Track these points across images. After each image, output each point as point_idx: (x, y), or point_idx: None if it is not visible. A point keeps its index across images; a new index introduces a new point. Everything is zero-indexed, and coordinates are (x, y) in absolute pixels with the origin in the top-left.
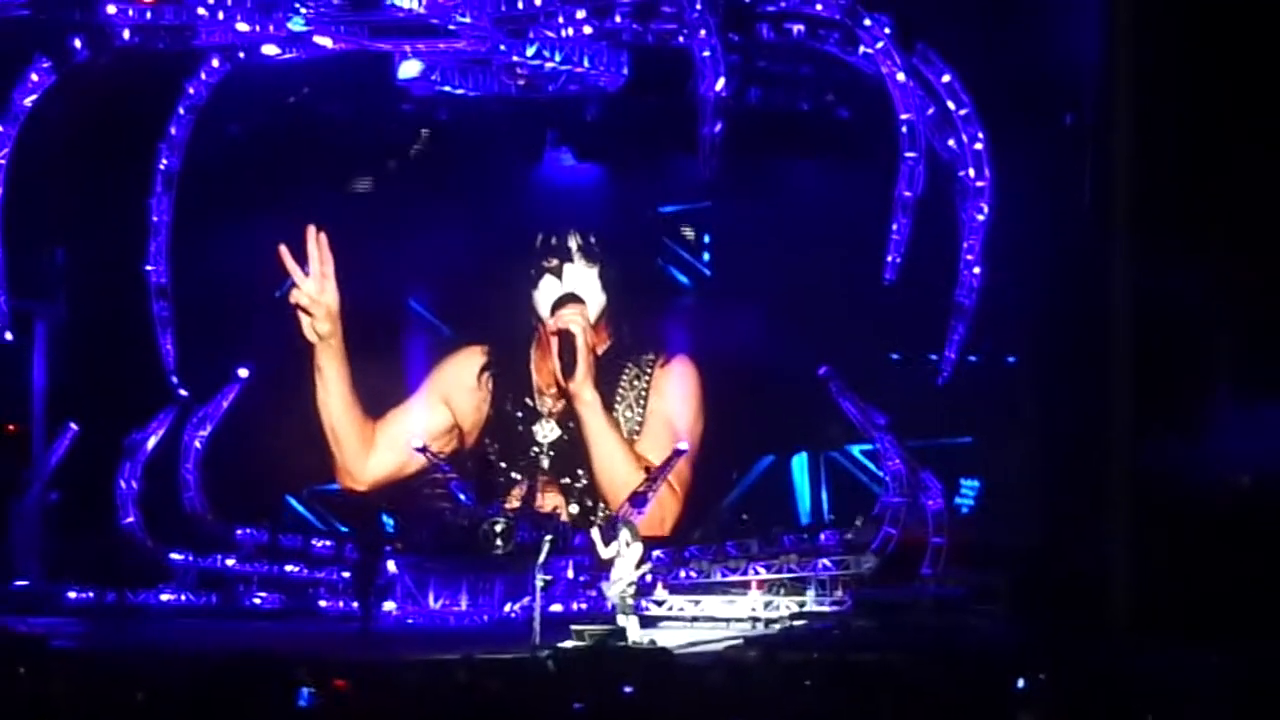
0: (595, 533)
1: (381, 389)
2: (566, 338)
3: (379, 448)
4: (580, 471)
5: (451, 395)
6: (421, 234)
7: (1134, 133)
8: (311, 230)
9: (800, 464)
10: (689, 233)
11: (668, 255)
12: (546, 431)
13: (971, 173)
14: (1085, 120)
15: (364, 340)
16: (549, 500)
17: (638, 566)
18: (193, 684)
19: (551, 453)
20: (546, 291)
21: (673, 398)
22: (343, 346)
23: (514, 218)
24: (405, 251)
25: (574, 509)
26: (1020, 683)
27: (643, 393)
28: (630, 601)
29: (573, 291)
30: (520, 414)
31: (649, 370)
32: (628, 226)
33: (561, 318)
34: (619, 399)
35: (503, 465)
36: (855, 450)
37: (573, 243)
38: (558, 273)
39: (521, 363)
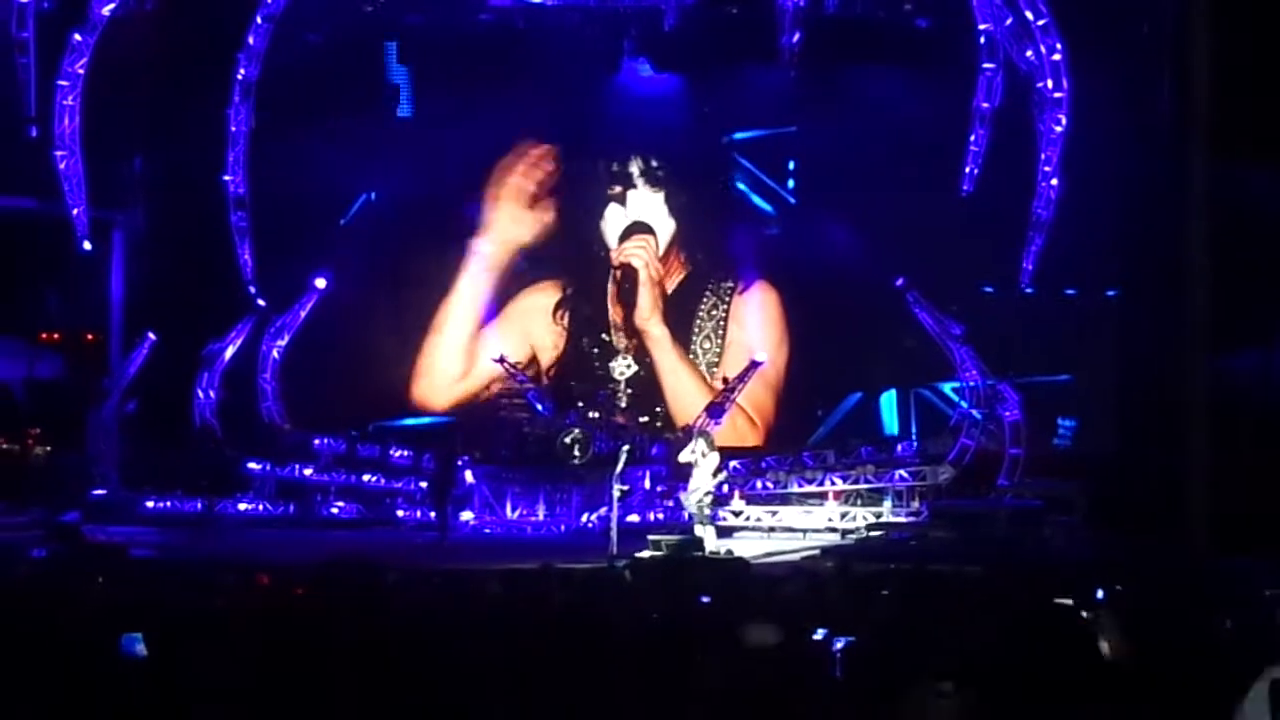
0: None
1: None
2: (628, 272)
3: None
4: (659, 409)
5: (530, 330)
6: (496, 154)
7: (1212, 43)
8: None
9: (889, 400)
10: (768, 157)
11: (747, 180)
12: (623, 368)
13: (1050, 84)
14: (1163, 30)
15: (435, 270)
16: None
17: (714, 476)
18: (270, 592)
19: (629, 389)
20: (613, 221)
21: (753, 325)
22: (498, 271)
23: (584, 141)
24: (479, 171)
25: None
26: (1098, 593)
27: (721, 321)
28: (707, 512)
29: (639, 220)
30: (596, 350)
31: (727, 298)
32: (698, 147)
33: (624, 250)
34: (697, 329)
35: (580, 404)
36: (946, 388)
37: (634, 168)
38: (622, 200)
39: (596, 297)
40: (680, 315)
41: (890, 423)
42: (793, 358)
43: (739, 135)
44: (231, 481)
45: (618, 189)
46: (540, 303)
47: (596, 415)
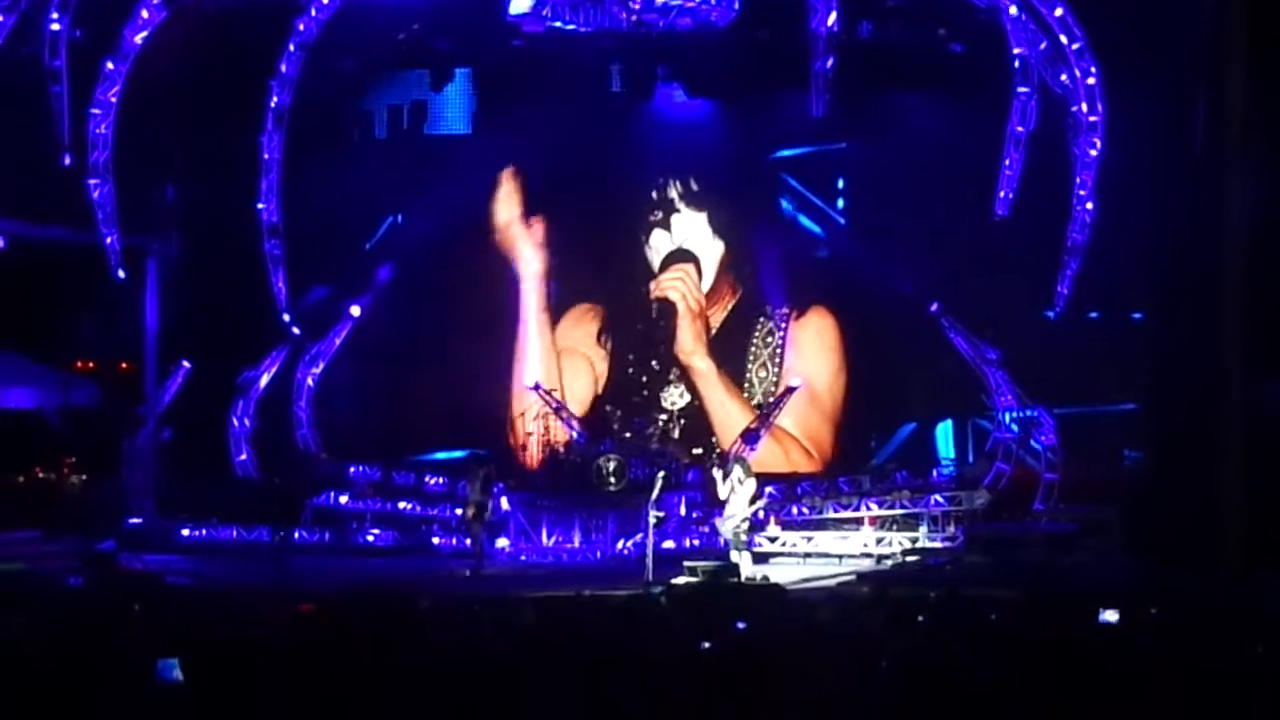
0: (717, 473)
1: (488, 346)
2: (666, 306)
3: None
4: (714, 439)
5: (574, 357)
6: (533, 181)
7: (1248, 66)
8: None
9: (945, 431)
10: (815, 175)
11: (794, 200)
12: (675, 398)
13: (1084, 108)
14: (1199, 53)
15: (472, 294)
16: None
17: (751, 503)
18: (304, 621)
19: (682, 420)
20: (658, 246)
21: (809, 352)
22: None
23: (623, 165)
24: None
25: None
26: (1131, 616)
27: (777, 349)
28: (743, 538)
29: (682, 247)
30: (645, 379)
31: (783, 325)
32: (740, 168)
33: (661, 283)
34: (751, 357)
35: (627, 435)
36: (1007, 417)
37: (674, 191)
38: (665, 225)
39: (642, 326)
40: (732, 344)
41: (946, 453)
42: (850, 385)
43: (786, 152)
44: (269, 509)
45: (659, 214)
46: (584, 329)
47: (632, 441)
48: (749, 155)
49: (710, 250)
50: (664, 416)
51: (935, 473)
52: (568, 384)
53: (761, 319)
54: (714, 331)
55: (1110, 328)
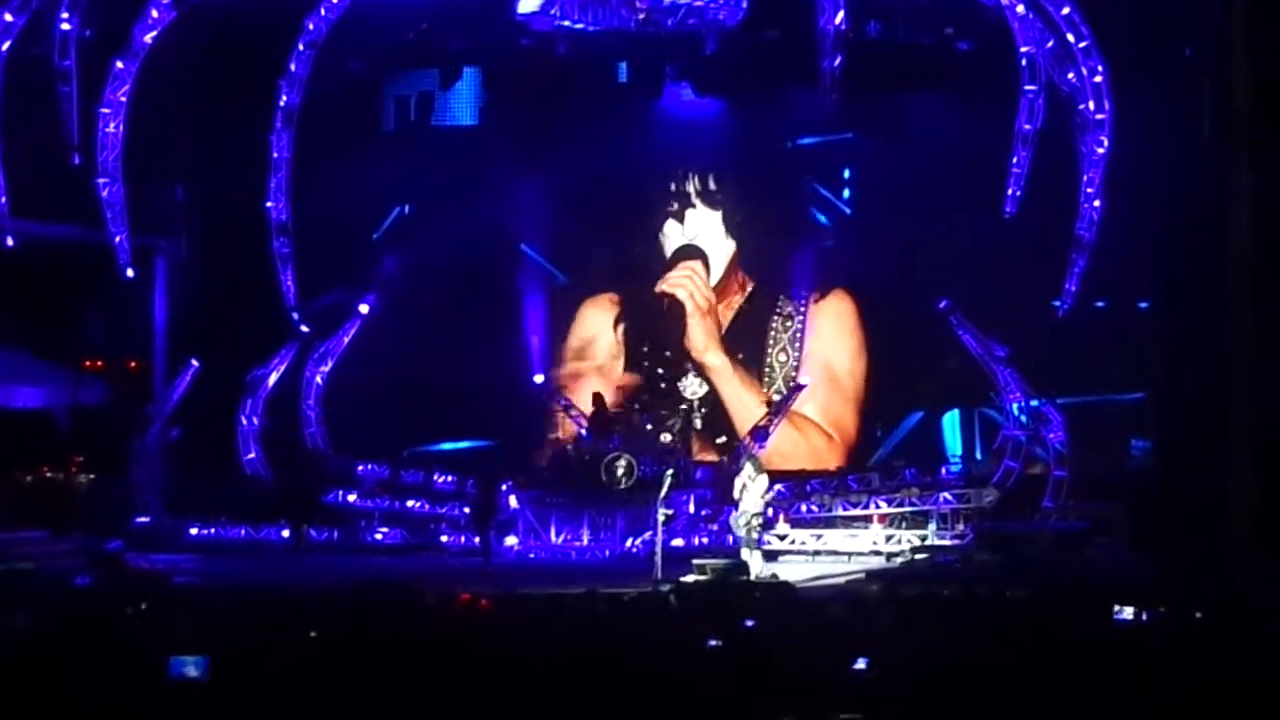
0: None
1: (496, 337)
2: (674, 304)
3: None
4: (735, 431)
5: (588, 348)
6: (541, 174)
7: (1253, 65)
8: None
9: (952, 420)
10: (821, 167)
11: (805, 193)
12: (695, 387)
13: (1091, 105)
14: (1205, 50)
15: (479, 286)
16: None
17: (762, 498)
18: (311, 619)
19: (703, 409)
20: (673, 238)
21: (829, 336)
22: None
23: (634, 160)
24: (524, 193)
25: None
26: (1143, 615)
27: (797, 334)
28: (755, 535)
29: (691, 244)
30: (662, 370)
31: (803, 310)
32: (752, 165)
33: (669, 280)
34: (771, 341)
35: (648, 428)
36: (1014, 408)
37: (690, 187)
38: (679, 218)
39: (656, 317)
40: (750, 333)
41: (954, 444)
42: (871, 368)
43: (802, 141)
44: (276, 508)
45: (675, 206)
46: (598, 320)
47: (649, 435)
48: (762, 152)
49: (721, 248)
50: (684, 406)
51: (944, 470)
52: (584, 377)
53: (778, 307)
54: (726, 327)
55: (1118, 318)
